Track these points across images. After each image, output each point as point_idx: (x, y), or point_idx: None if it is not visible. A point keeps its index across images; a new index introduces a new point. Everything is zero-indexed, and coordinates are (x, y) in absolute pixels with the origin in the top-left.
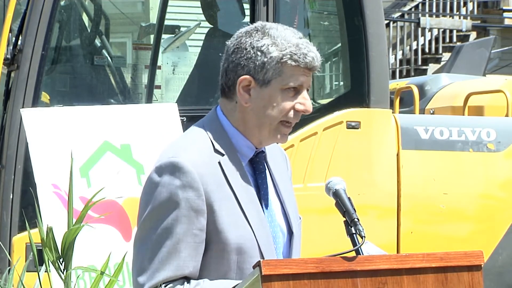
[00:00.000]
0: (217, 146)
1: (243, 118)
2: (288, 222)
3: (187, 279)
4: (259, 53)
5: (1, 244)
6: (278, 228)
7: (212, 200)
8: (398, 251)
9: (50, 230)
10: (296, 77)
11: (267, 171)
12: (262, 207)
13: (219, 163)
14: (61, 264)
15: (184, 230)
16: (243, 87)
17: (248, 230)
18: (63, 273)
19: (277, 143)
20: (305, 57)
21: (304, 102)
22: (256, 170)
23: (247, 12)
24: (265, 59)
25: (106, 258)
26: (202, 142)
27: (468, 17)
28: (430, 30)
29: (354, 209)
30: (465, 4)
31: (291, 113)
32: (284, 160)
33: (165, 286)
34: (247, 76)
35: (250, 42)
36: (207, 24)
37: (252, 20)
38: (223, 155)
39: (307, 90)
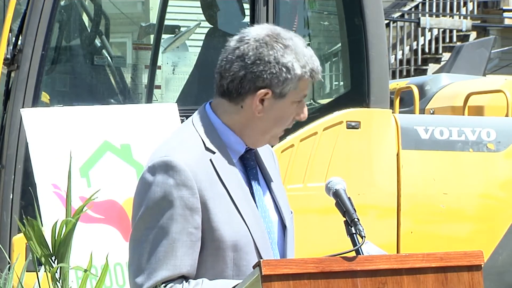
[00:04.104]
0: (208, 144)
1: (246, 124)
2: (281, 216)
3: (185, 278)
4: (284, 69)
5: (1, 244)
6: (272, 223)
7: (206, 198)
8: (398, 251)
9: (36, 224)
10: (306, 90)
11: (257, 167)
12: (255, 203)
13: (211, 160)
14: (54, 262)
15: (180, 229)
16: (260, 99)
17: (243, 227)
18: (54, 270)
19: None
20: (318, 72)
21: (303, 111)
22: (247, 166)
23: (247, 12)
24: (289, 76)
25: (105, 257)
26: (193, 140)
27: (468, 17)
28: (430, 30)
29: (354, 209)
30: (465, 4)
31: (290, 121)
32: (271, 155)
33: (164, 286)
34: (267, 90)
35: (275, 56)
36: (207, 24)
37: (252, 20)
38: (214, 152)
39: None
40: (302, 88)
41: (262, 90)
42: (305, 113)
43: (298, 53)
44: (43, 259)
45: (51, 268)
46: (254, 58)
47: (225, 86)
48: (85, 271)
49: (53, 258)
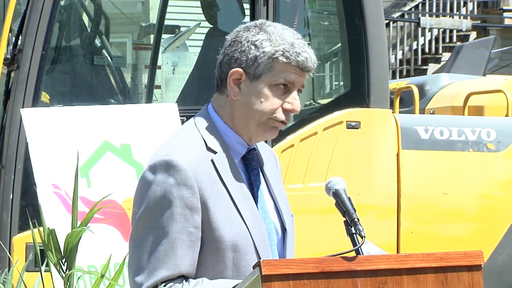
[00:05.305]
0: (210, 144)
1: (232, 113)
2: (281, 219)
3: (185, 277)
4: (252, 47)
5: (1, 244)
6: (272, 225)
7: (206, 198)
8: (398, 251)
9: (52, 231)
10: (286, 75)
11: (259, 168)
12: (256, 204)
13: (212, 161)
14: (63, 264)
15: (180, 228)
16: (233, 80)
17: (243, 227)
18: (65, 274)
19: (268, 139)
20: (298, 56)
21: (293, 101)
22: (249, 167)
23: (247, 12)
24: (258, 53)
25: (106, 259)
26: (194, 140)
27: (468, 17)
28: (430, 30)
29: (354, 209)
30: (465, 4)
31: (279, 111)
32: (273, 157)
33: (164, 286)
34: (239, 69)
35: (246, 36)
36: (207, 24)
37: (252, 20)
38: (215, 152)
39: (300, 90)
40: (279, 71)
41: (234, 70)
42: (295, 105)
43: (273, 35)
44: (58, 265)
45: (65, 272)
46: (230, 42)
47: (215, 77)
48: (102, 276)
49: (63, 261)
